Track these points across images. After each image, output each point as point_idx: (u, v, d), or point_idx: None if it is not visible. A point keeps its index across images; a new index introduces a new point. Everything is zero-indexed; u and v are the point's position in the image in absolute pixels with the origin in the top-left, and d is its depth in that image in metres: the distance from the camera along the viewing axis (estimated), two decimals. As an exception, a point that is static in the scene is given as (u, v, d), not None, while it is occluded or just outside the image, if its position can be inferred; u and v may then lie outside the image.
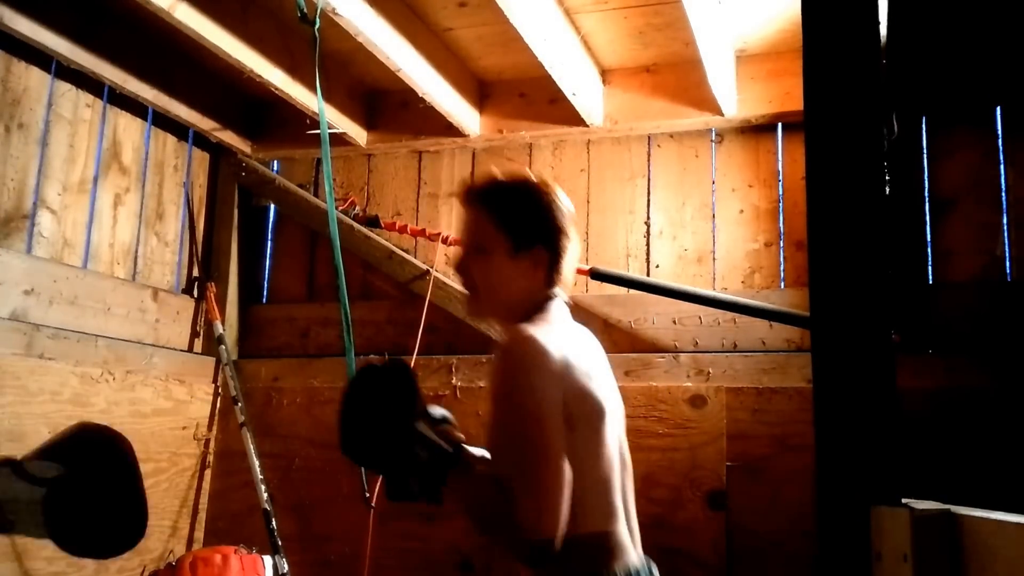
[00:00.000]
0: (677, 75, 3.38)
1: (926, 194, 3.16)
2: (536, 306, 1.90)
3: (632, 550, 1.86)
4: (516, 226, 1.88)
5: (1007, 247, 3.06)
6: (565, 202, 1.95)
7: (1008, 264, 3.06)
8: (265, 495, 3.42)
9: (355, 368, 2.71)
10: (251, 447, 3.49)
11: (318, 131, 2.73)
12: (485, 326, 3.32)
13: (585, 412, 1.78)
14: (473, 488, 1.74)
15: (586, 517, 1.75)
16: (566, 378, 1.75)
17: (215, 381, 3.68)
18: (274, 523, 3.38)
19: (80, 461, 1.70)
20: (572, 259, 1.96)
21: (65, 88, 3.15)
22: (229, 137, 3.71)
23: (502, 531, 1.71)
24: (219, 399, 3.68)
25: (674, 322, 3.33)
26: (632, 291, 3.37)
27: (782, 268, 3.31)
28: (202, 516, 3.59)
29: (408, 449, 1.72)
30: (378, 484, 3.20)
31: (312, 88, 2.98)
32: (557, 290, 1.95)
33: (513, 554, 1.79)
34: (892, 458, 1.16)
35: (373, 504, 3.28)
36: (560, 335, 1.81)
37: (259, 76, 3.09)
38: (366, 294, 3.73)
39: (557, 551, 1.64)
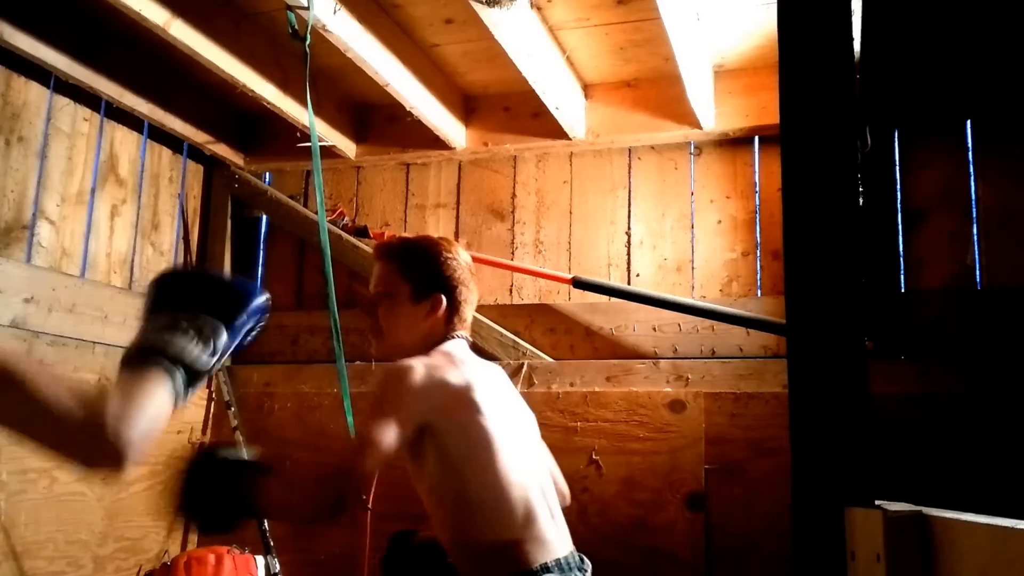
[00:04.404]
0: (657, 90, 3.43)
1: (899, 205, 3.21)
2: (433, 344, 2.16)
3: (554, 545, 2.04)
4: (417, 276, 2.19)
5: (977, 256, 3.11)
6: (463, 257, 2.27)
7: (978, 272, 3.10)
8: (257, 497, 3.48)
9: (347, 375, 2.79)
10: (243, 451, 3.55)
11: (309, 144, 2.75)
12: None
13: (460, 423, 2.03)
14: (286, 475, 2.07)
15: (494, 521, 1.99)
16: (432, 396, 2.01)
17: (209, 387, 3.74)
18: (266, 524, 3.43)
19: None
20: (471, 305, 2.26)
21: (63, 102, 3.20)
22: (222, 150, 3.77)
23: (311, 495, 1.92)
24: (213, 404, 3.74)
25: (654, 329, 3.38)
26: (613, 299, 3.42)
27: (759, 277, 3.36)
28: (196, 518, 3.65)
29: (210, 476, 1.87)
30: (372, 488, 3.24)
31: (303, 102, 3.03)
32: (460, 332, 2.23)
33: (315, 514, 1.98)
34: (865, 461, 1.16)
35: (370, 506, 3.31)
36: (440, 363, 2.08)
37: (251, 91, 3.14)
38: (352, 302, 3.74)
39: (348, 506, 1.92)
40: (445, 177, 3.81)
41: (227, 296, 1.36)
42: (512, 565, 1.97)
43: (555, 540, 2.06)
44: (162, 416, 1.21)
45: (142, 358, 1.25)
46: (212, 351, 1.28)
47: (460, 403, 2.04)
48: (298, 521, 2.07)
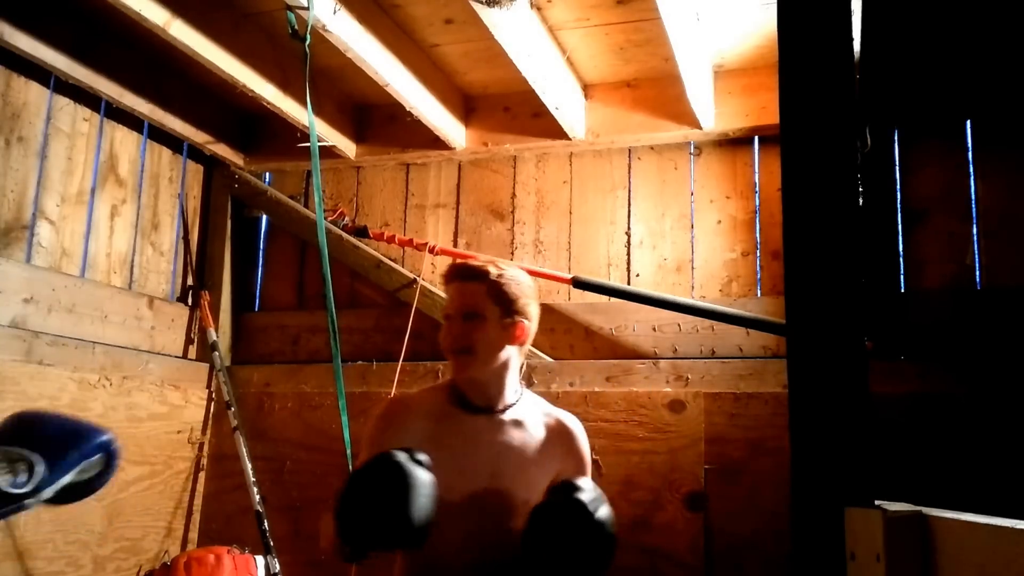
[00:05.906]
0: (657, 90, 3.43)
1: (898, 205, 3.21)
2: (516, 372, 2.23)
3: None
4: (506, 301, 2.16)
5: (976, 256, 3.11)
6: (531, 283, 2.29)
7: (978, 272, 3.10)
8: (257, 497, 3.49)
9: (342, 375, 2.79)
10: (244, 450, 3.55)
11: (308, 144, 2.76)
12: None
13: None
14: None
15: None
16: None
17: (209, 387, 3.74)
18: (266, 524, 3.44)
19: None
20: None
21: (63, 102, 3.21)
22: (222, 150, 3.77)
23: None
24: (213, 404, 3.73)
25: (654, 329, 3.38)
26: (613, 299, 3.42)
27: (759, 277, 3.36)
28: (196, 517, 3.64)
29: None
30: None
31: (303, 102, 3.03)
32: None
33: None
34: (865, 461, 1.17)
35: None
36: None
37: (251, 91, 3.14)
38: (353, 302, 3.79)
39: None
40: (445, 177, 3.81)
41: (56, 435, 1.49)
42: None
43: None
44: None
45: None
46: (23, 480, 1.40)
47: None
48: None
